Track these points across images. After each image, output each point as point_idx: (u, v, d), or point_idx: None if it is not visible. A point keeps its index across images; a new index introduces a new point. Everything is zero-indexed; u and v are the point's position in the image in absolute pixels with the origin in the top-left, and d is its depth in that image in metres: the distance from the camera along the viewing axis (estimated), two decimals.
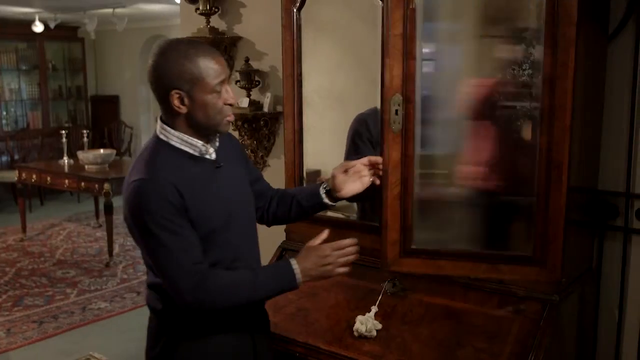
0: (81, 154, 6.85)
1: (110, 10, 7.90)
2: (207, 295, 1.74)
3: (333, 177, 2.08)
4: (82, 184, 6.54)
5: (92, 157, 6.78)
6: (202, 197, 1.78)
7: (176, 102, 1.75)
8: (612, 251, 2.39)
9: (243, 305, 1.82)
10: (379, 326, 2.17)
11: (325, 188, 2.09)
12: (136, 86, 10.25)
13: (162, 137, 1.83)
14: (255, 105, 3.17)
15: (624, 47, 2.28)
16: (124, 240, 7.18)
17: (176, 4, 4.67)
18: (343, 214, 2.57)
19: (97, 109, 10.59)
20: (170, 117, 1.81)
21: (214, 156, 1.87)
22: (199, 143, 1.82)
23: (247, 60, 3.16)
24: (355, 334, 2.16)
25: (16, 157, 9.14)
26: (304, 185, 2.59)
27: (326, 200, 2.09)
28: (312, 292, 2.38)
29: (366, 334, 2.15)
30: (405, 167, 2.11)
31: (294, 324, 2.27)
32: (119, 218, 7.99)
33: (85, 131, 7.80)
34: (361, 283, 2.38)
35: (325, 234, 1.91)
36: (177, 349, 1.87)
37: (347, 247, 1.88)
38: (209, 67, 1.75)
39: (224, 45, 3.26)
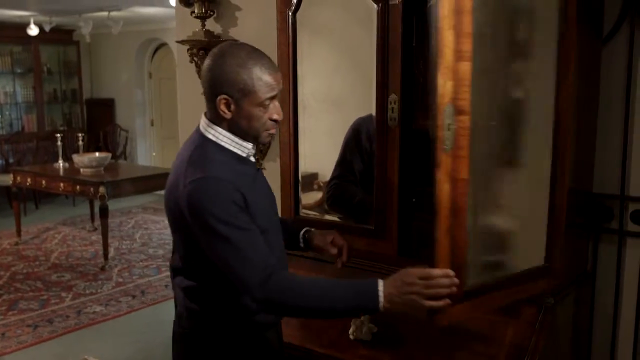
0: (76, 158, 6.84)
1: (106, 13, 7.90)
2: (277, 293, 1.68)
3: (314, 239, 2.09)
4: (78, 187, 6.52)
5: (87, 160, 6.77)
6: (254, 198, 1.78)
7: (222, 107, 1.75)
8: (607, 254, 2.40)
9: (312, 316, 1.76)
10: (375, 329, 2.17)
11: (304, 239, 2.11)
12: (131, 89, 10.24)
13: (210, 136, 1.81)
14: None
15: (618, 50, 2.28)
16: (119, 243, 7.17)
17: (171, 7, 4.68)
18: (339, 217, 2.57)
19: (92, 112, 10.57)
20: (216, 119, 1.81)
21: (254, 159, 1.88)
22: (250, 145, 1.83)
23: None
24: (351, 337, 2.16)
25: (11, 160, 9.11)
26: (300, 192, 2.59)
27: (302, 245, 2.11)
28: None
29: (362, 337, 2.15)
30: (456, 193, 1.71)
31: (290, 328, 2.26)
32: (114, 221, 7.99)
33: (80, 134, 7.80)
34: None
35: (430, 271, 1.68)
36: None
37: (438, 277, 1.65)
38: (263, 80, 1.73)
39: None
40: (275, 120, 1.80)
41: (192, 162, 1.76)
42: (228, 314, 1.86)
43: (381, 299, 1.64)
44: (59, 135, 7.51)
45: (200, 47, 3.24)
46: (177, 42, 3.39)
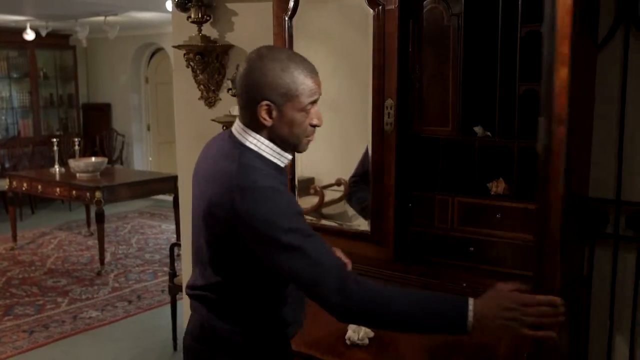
0: (72, 162, 6.83)
1: (102, 18, 7.90)
2: (357, 301, 1.56)
3: None
4: (74, 192, 6.51)
5: (83, 165, 6.76)
6: None
7: (263, 114, 1.66)
8: (603, 258, 2.40)
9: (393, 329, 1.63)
10: (371, 334, 2.17)
11: None
12: (128, 94, 10.23)
13: (250, 144, 1.71)
14: None
15: (613, 56, 2.29)
16: (115, 248, 7.16)
17: (168, 12, 4.68)
18: (336, 222, 2.57)
19: (88, 117, 10.56)
20: (254, 126, 1.71)
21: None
22: (290, 156, 1.77)
23: (238, 68, 3.16)
24: (348, 342, 2.16)
25: (7, 165, 9.09)
26: (296, 197, 2.60)
27: None
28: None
29: (358, 342, 2.15)
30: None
31: None
32: (110, 226, 7.98)
33: (76, 139, 7.78)
34: None
35: (518, 286, 1.59)
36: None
37: (544, 305, 1.52)
38: (306, 84, 1.66)
39: (216, 54, 3.27)
40: (314, 126, 1.73)
41: (241, 173, 1.64)
42: (260, 329, 1.78)
43: (470, 319, 1.51)
44: (55, 140, 7.50)
45: (196, 52, 3.24)
46: (174, 47, 3.39)
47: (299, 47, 2.54)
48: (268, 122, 1.67)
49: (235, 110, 3.15)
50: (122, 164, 10.12)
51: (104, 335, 4.80)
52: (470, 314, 1.51)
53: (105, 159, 7.17)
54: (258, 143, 1.71)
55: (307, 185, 2.63)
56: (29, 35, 8.53)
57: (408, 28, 2.34)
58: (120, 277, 6.17)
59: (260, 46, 1.72)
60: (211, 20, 3.30)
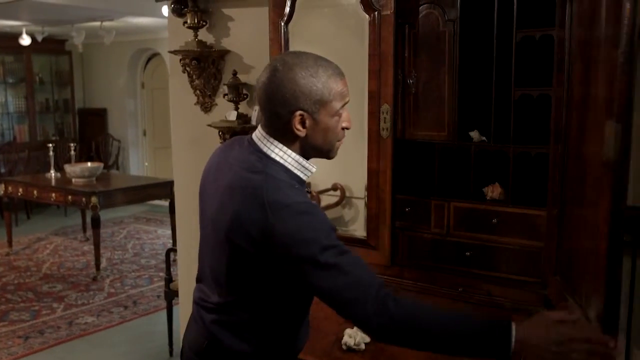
0: (68, 167, 6.82)
1: (98, 23, 7.90)
2: (397, 324, 1.49)
3: None
4: (69, 197, 6.50)
5: (79, 170, 6.75)
6: None
7: (297, 125, 1.59)
8: None
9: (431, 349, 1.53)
10: (368, 339, 2.16)
11: None
12: (124, 99, 10.23)
13: (275, 156, 1.64)
14: (243, 118, 3.18)
15: None
16: (111, 254, 7.14)
17: (164, 17, 4.68)
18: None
19: (84, 122, 10.55)
20: (281, 136, 1.63)
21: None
22: (313, 168, 1.70)
23: (234, 73, 3.16)
24: (344, 347, 2.16)
25: (2, 170, 9.08)
26: None
27: None
28: None
29: (354, 347, 2.14)
30: None
31: None
32: (106, 232, 7.97)
33: (72, 144, 7.77)
34: None
35: (565, 315, 1.47)
36: None
37: (605, 344, 1.39)
38: (337, 89, 1.61)
39: (212, 59, 3.27)
40: (345, 129, 1.67)
41: (271, 187, 1.56)
42: (273, 347, 1.74)
43: (512, 343, 1.41)
44: (51, 145, 7.49)
45: (192, 57, 3.24)
46: (170, 52, 3.39)
47: None
48: (302, 132, 1.60)
49: (232, 115, 3.16)
50: (118, 169, 10.11)
51: (100, 341, 4.78)
52: (513, 338, 1.41)
53: (101, 164, 7.16)
54: (284, 155, 1.64)
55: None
56: (25, 40, 8.52)
57: (404, 33, 2.35)
58: (116, 283, 6.15)
59: (282, 54, 1.65)
60: (207, 25, 3.30)
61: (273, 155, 1.64)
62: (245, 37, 3.21)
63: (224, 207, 1.61)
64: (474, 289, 2.20)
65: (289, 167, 1.64)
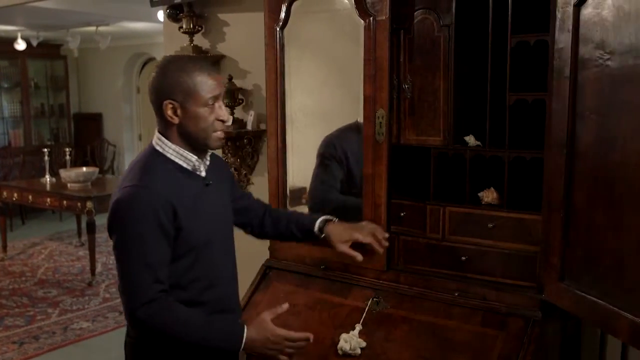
0: (63, 172, 6.80)
1: (94, 28, 7.90)
2: (157, 318, 1.77)
3: (332, 235, 2.12)
4: (64, 202, 6.48)
5: (74, 175, 6.73)
6: (191, 214, 1.83)
7: (169, 112, 1.82)
8: None
9: (187, 346, 1.83)
10: (363, 344, 2.17)
11: (319, 229, 2.13)
12: (119, 104, 10.22)
13: (158, 148, 1.88)
14: (238, 123, 3.18)
15: None
16: (106, 259, 7.12)
17: (160, 22, 4.68)
18: None
19: (79, 127, 10.54)
20: (165, 129, 1.87)
21: (204, 174, 1.92)
22: (194, 158, 1.88)
23: (230, 78, 3.17)
24: (340, 352, 2.16)
25: None
26: (288, 207, 2.60)
27: (318, 234, 2.14)
28: (296, 311, 2.38)
29: (350, 352, 2.14)
30: None
31: None
32: (101, 236, 7.92)
33: (67, 149, 7.75)
34: (345, 301, 2.37)
35: (284, 307, 1.93)
36: None
37: (299, 341, 1.90)
38: (204, 81, 1.82)
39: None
40: (222, 121, 1.87)
41: (130, 171, 1.85)
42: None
43: (244, 344, 1.83)
44: (46, 150, 7.47)
45: None
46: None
47: (291, 57, 2.54)
48: (175, 119, 1.83)
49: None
50: (113, 173, 10.08)
51: (95, 346, 4.76)
52: (245, 340, 1.83)
53: (97, 169, 7.14)
54: (164, 145, 1.87)
55: (300, 195, 2.64)
56: (20, 45, 8.51)
57: (399, 39, 2.35)
58: (111, 288, 6.13)
59: (166, 55, 1.92)
60: (203, 30, 3.30)
61: (157, 148, 1.88)
62: (241, 42, 3.22)
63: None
64: (469, 293, 2.20)
65: (170, 156, 1.86)
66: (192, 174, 1.89)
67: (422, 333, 2.17)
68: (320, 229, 2.12)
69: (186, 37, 3.27)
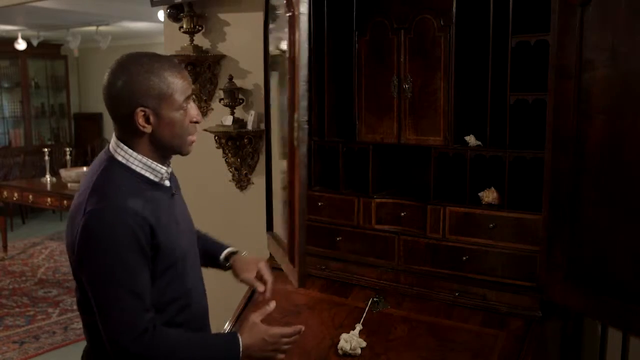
0: (64, 172, 6.80)
1: (94, 27, 7.90)
2: (154, 349, 1.59)
3: (236, 267, 1.99)
4: (65, 202, 6.48)
5: (74, 175, 6.72)
6: (166, 229, 1.65)
7: (141, 121, 1.60)
8: None
9: None
10: (364, 344, 2.17)
11: (225, 258, 2.01)
12: None
13: (119, 158, 1.66)
14: (239, 123, 3.18)
15: None
16: None
17: (160, 22, 4.68)
18: None
19: (80, 127, 10.53)
20: (130, 137, 1.65)
21: (168, 183, 1.74)
22: (163, 169, 1.69)
23: (230, 78, 3.17)
24: (340, 352, 2.16)
25: None
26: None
27: (223, 263, 2.01)
28: (296, 311, 2.38)
29: (350, 352, 2.15)
30: None
31: None
32: None
33: (68, 149, 7.76)
34: (346, 301, 2.38)
35: (272, 306, 1.81)
36: None
37: (294, 335, 1.79)
38: (176, 82, 1.62)
39: (208, 64, 3.27)
40: (196, 122, 1.69)
41: (95, 188, 1.60)
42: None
43: (241, 353, 1.70)
44: (46, 149, 7.47)
45: (188, 62, 3.24)
46: None
47: None
48: (147, 128, 1.62)
49: (228, 120, 3.16)
50: None
51: None
52: (241, 348, 1.69)
53: None
54: (127, 155, 1.65)
55: None
56: (21, 45, 8.51)
57: (399, 38, 2.35)
58: None
59: (120, 56, 1.68)
60: (203, 30, 3.30)
61: (118, 158, 1.65)
62: (241, 42, 3.21)
63: (68, 217, 1.70)
64: (469, 293, 2.20)
65: (135, 168, 1.65)
66: (158, 185, 1.69)
67: (422, 333, 2.17)
68: (227, 259, 2.00)
69: (186, 37, 3.27)
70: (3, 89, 9.58)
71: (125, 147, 1.65)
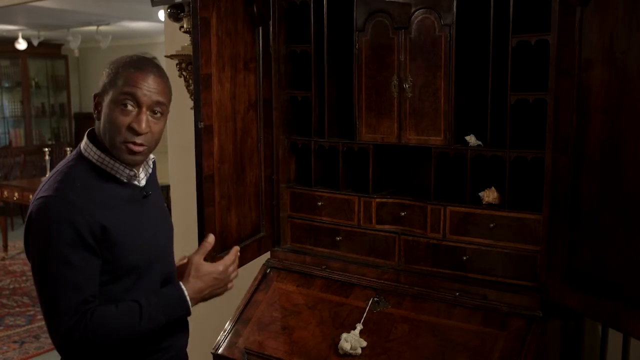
0: None
1: (94, 27, 7.91)
2: (95, 331, 1.52)
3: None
4: None
5: None
6: (128, 229, 1.60)
7: (94, 107, 1.61)
8: None
9: (134, 338, 1.60)
10: (364, 344, 2.16)
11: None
12: None
13: (85, 153, 1.62)
14: None
15: None
16: None
17: (160, 22, 4.69)
18: None
19: (80, 127, 10.54)
20: (96, 130, 1.63)
21: (143, 182, 1.69)
22: (127, 171, 1.63)
23: None
24: (340, 351, 2.15)
25: None
26: None
27: None
28: (296, 310, 2.38)
29: (351, 351, 2.14)
30: None
31: (279, 342, 2.26)
32: None
33: (68, 149, 7.76)
34: (346, 300, 2.37)
35: (210, 240, 1.77)
36: None
37: (236, 258, 1.77)
38: (128, 78, 1.54)
39: None
40: (133, 131, 1.55)
41: (50, 179, 1.58)
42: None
43: (189, 301, 1.65)
44: (46, 149, 7.47)
45: (188, 62, 3.24)
46: (166, 56, 3.39)
47: None
48: (95, 115, 1.60)
49: None
50: None
51: None
52: (187, 298, 1.64)
53: None
54: (89, 150, 1.61)
55: None
56: (21, 45, 8.52)
57: (399, 38, 2.35)
58: None
59: None
60: None
61: (84, 153, 1.63)
62: None
63: None
64: (470, 293, 2.20)
65: (97, 164, 1.61)
66: (127, 184, 1.64)
67: (422, 333, 2.17)
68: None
69: (187, 37, 3.26)
70: (3, 89, 9.59)
71: (90, 144, 1.62)
